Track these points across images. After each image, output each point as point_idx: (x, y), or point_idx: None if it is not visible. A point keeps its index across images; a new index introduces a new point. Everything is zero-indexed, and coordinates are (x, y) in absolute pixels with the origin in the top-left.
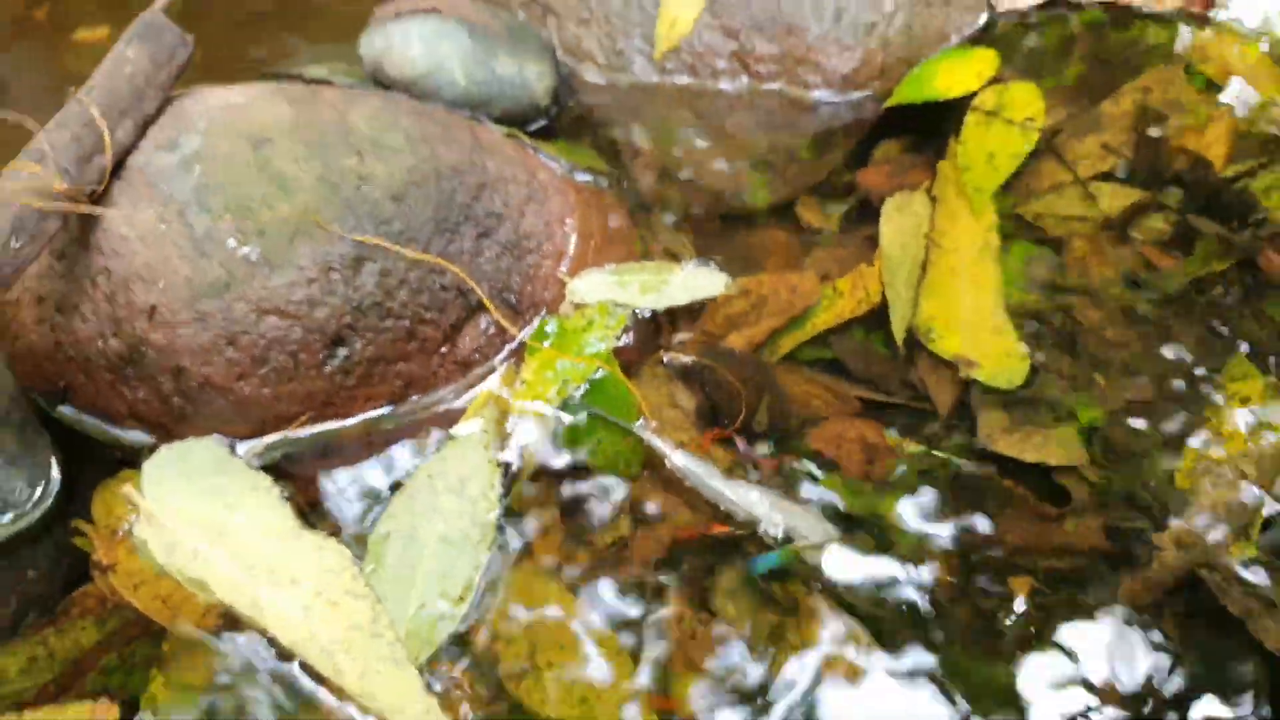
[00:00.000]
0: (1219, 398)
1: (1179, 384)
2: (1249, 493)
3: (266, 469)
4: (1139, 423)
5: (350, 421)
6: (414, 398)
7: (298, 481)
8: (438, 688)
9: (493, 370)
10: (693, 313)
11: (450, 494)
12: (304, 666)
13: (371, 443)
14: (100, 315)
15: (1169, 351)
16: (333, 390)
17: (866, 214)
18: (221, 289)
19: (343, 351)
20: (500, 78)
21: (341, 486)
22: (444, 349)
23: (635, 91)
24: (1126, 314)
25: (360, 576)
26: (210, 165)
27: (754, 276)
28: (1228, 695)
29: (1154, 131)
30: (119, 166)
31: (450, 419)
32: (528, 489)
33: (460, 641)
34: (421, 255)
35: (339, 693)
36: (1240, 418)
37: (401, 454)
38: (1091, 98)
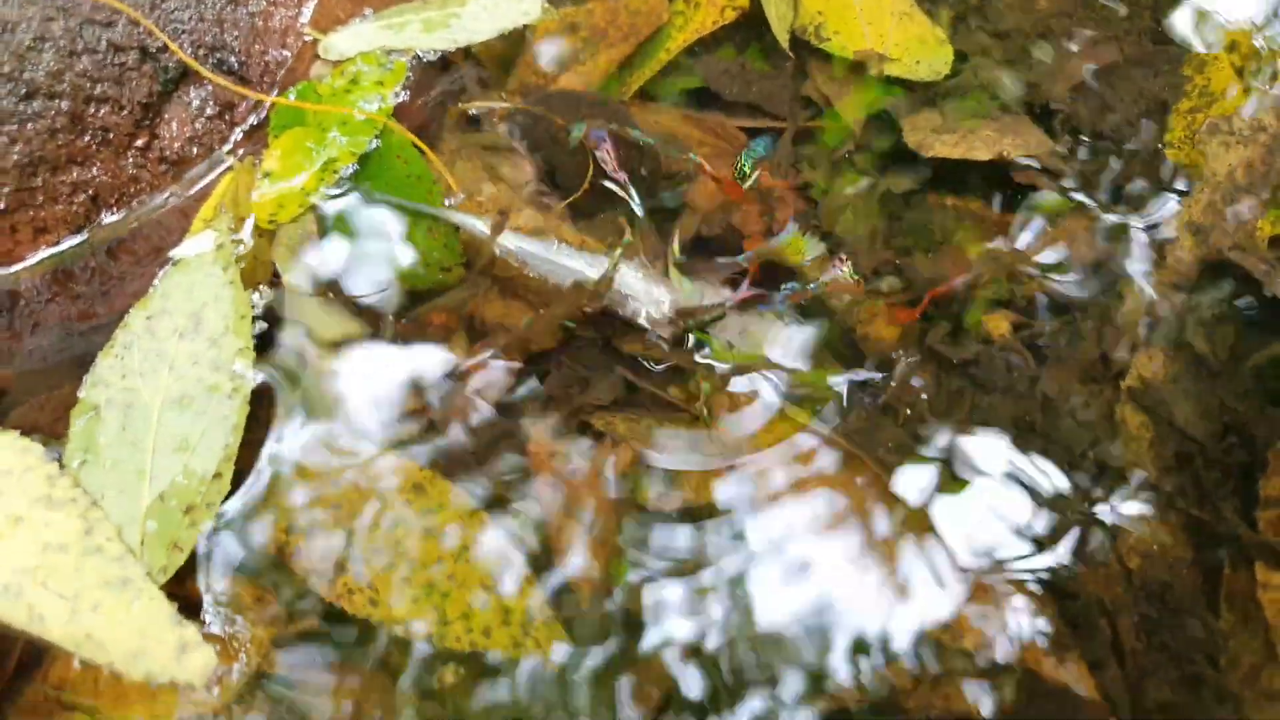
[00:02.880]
0: (1201, 48)
1: (1145, 47)
2: (1274, 148)
3: None
4: (1106, 96)
5: (22, 265)
6: (109, 218)
7: None
8: (208, 612)
9: (222, 166)
10: (504, 61)
11: (179, 337)
12: None
13: (73, 294)
14: None
15: (1120, 10)
16: None
17: None
18: None
19: None
20: None
21: (39, 363)
22: (140, 142)
23: None
24: None
25: (61, 475)
26: None
27: (580, 6)
28: None
29: None
30: None
31: (180, 238)
32: (302, 318)
33: (234, 536)
34: None
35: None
36: (1233, 67)
37: (122, 298)
38: None
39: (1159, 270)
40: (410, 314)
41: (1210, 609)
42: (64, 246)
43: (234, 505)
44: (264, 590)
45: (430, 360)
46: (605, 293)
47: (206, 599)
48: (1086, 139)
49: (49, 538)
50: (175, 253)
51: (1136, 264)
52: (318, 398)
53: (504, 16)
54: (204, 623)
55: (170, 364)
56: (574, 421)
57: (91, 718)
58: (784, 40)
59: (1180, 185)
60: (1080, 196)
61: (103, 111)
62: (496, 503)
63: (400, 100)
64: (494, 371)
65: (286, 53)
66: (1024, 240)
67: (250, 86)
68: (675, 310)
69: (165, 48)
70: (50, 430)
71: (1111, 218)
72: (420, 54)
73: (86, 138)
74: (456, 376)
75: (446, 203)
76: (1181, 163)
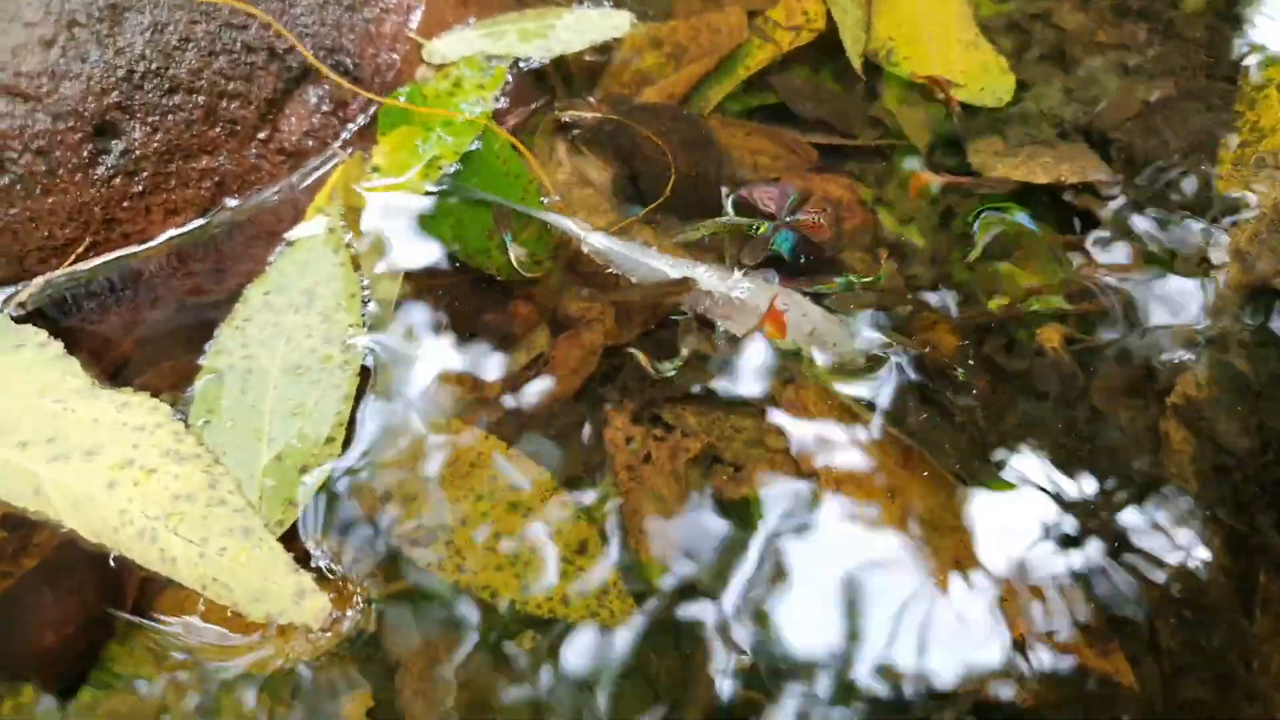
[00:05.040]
0: (1253, 84)
1: (1198, 82)
2: None
3: (43, 321)
4: (1160, 128)
5: (150, 244)
6: (231, 202)
7: (91, 339)
8: (319, 561)
9: (334, 160)
10: (592, 73)
11: (294, 311)
12: (121, 562)
13: (190, 271)
14: None
15: (1175, 47)
16: (113, 201)
17: None
18: None
19: (117, 145)
20: None
21: (157, 333)
22: (262, 134)
23: None
24: (1118, 9)
25: (186, 432)
26: None
27: (664, 23)
28: None
29: None
30: None
31: (291, 224)
32: (404, 305)
33: (342, 497)
34: None
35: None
36: None
37: (234, 277)
38: None
39: (1206, 294)
40: (500, 304)
41: (1245, 614)
42: (188, 228)
43: (340, 469)
44: (362, 550)
45: (517, 348)
46: (687, 291)
47: (314, 553)
48: (1141, 168)
49: (178, 488)
50: (290, 235)
51: (1184, 287)
52: (413, 377)
53: (595, 30)
54: (316, 572)
55: (287, 336)
56: (647, 411)
57: (194, 656)
58: (857, 63)
59: (1229, 215)
60: (1133, 221)
61: (233, 106)
62: (576, 482)
63: (499, 104)
64: (574, 361)
65: (395, 56)
66: (1078, 260)
67: (361, 86)
68: (747, 310)
69: (291, 49)
70: (170, 396)
71: (1162, 243)
72: (519, 62)
73: (217, 129)
74: (540, 364)
75: (542, 201)
76: (1230, 194)
